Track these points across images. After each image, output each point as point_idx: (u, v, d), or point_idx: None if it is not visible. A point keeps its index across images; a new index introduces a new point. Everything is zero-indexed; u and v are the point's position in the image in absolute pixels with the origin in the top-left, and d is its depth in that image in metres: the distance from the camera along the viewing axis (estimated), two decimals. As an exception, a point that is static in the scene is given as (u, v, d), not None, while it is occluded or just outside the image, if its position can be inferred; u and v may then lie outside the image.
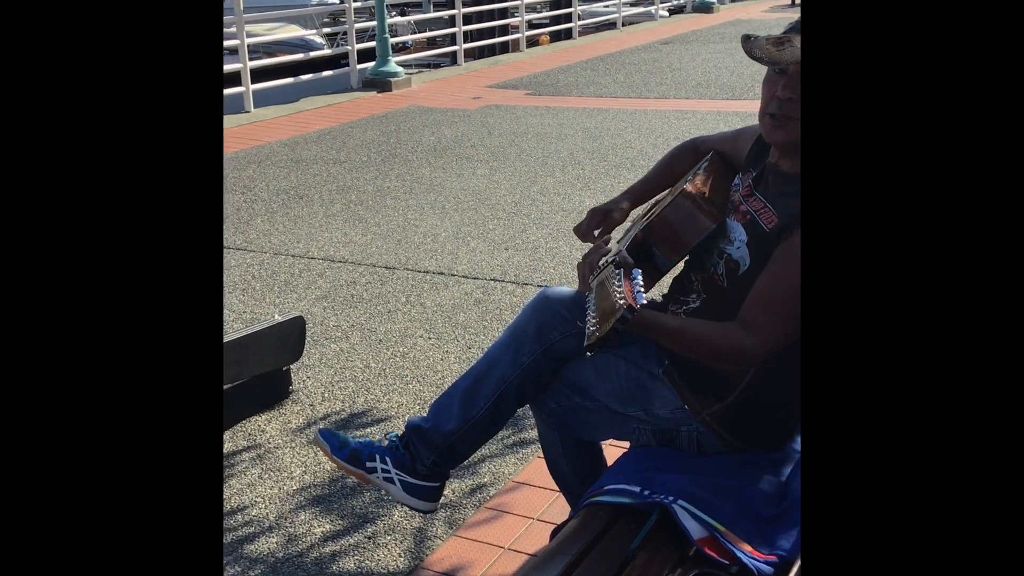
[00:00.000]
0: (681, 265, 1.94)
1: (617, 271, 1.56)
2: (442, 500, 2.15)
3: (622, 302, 1.44)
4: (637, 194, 2.08)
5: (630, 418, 1.89)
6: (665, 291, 1.99)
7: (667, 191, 2.09)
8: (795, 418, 1.83)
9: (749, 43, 1.70)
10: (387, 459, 2.00)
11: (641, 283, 1.51)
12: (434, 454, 1.99)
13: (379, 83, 9.90)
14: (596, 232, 2.03)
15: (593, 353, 1.51)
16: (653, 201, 2.08)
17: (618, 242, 1.98)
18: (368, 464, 2.01)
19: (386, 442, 2.04)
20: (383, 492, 2.24)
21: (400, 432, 2.06)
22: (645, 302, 1.48)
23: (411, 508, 2.03)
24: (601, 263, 1.71)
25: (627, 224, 2.10)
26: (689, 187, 1.88)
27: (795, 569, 1.45)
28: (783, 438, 1.84)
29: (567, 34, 14.84)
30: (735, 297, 1.73)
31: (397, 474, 2.00)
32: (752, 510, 1.69)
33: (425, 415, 2.04)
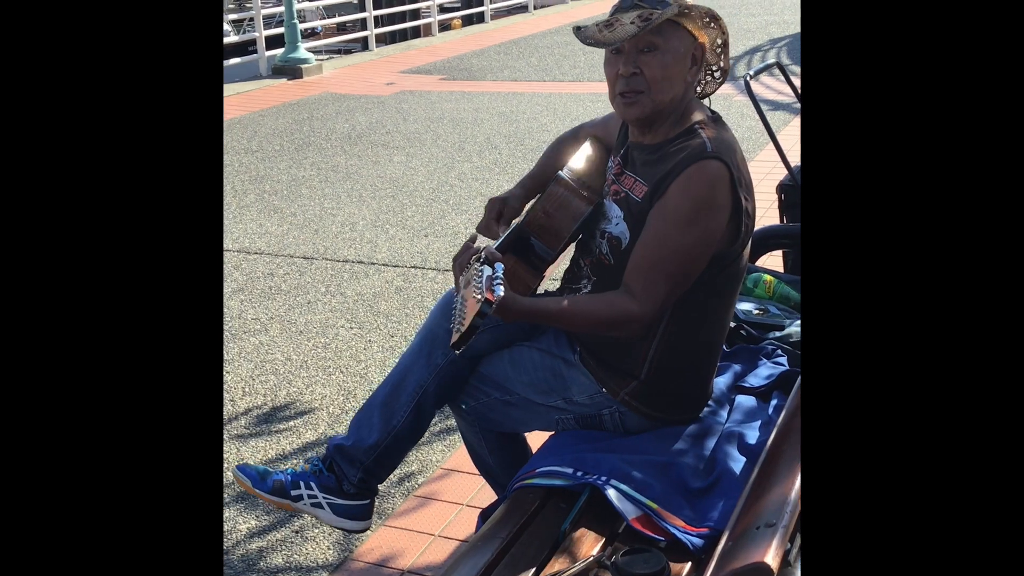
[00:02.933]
0: (571, 254, 1.96)
1: (481, 267, 1.58)
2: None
3: (478, 296, 1.47)
4: (528, 186, 2.08)
5: (551, 408, 1.89)
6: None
7: None
8: (705, 385, 1.88)
9: (581, 32, 1.74)
10: (312, 484, 1.94)
11: (500, 276, 1.54)
12: (360, 471, 1.94)
13: (289, 70, 9.71)
14: (497, 222, 2.02)
15: (460, 350, 1.53)
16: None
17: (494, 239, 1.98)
18: (293, 493, 1.94)
19: (308, 467, 1.98)
20: (312, 519, 2.17)
21: (322, 455, 2.00)
22: (503, 294, 1.51)
23: (345, 530, 1.98)
24: (471, 261, 1.70)
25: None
26: (563, 174, 1.92)
27: (723, 540, 1.48)
28: (697, 405, 1.88)
29: (479, 18, 14.78)
30: (623, 272, 1.75)
31: (324, 498, 1.94)
32: (682, 484, 1.71)
33: (345, 433, 1.99)
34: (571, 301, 1.75)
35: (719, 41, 1.81)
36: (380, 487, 2.04)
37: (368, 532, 2.41)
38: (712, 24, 1.77)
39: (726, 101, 7.58)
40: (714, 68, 1.86)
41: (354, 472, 1.94)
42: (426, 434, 2.84)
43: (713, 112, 1.82)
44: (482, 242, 1.87)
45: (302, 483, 1.94)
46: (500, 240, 1.89)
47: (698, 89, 1.86)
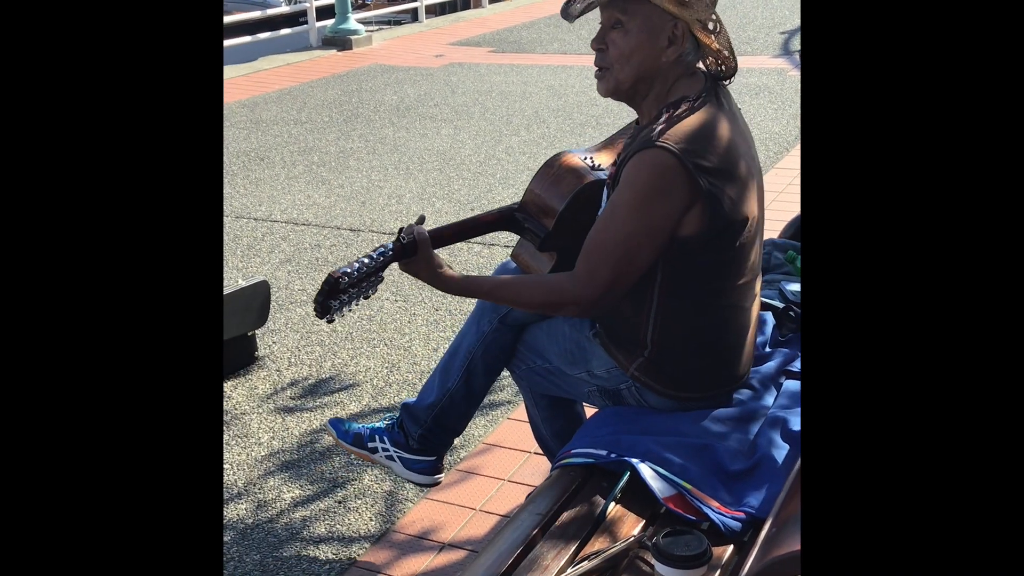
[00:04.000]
0: None
1: (385, 244, 1.81)
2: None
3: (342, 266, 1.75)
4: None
5: (579, 380, 1.93)
6: None
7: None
8: (722, 367, 1.84)
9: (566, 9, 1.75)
10: (385, 438, 2.15)
11: (374, 255, 1.77)
12: (421, 427, 2.11)
13: (339, 41, 9.73)
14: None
15: (325, 319, 1.76)
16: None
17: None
18: (369, 445, 2.17)
19: (383, 423, 2.19)
20: (388, 471, 2.42)
21: (397, 414, 2.20)
22: (348, 271, 1.72)
23: (414, 483, 2.18)
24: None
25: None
26: (569, 151, 1.95)
27: (767, 525, 1.46)
28: (716, 385, 1.85)
29: (529, -10, 14.66)
30: None
31: (395, 451, 2.15)
32: (720, 467, 1.70)
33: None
34: (512, 279, 1.82)
35: (706, 18, 1.70)
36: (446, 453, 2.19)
37: (410, 504, 2.43)
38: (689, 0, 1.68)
39: (780, 76, 7.45)
40: (718, 50, 1.74)
41: (416, 429, 2.12)
42: (469, 408, 2.87)
43: (709, 89, 1.73)
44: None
45: (377, 437, 2.17)
46: (482, 213, 1.99)
47: (709, 67, 1.78)
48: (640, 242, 1.68)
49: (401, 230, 1.82)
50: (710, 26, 1.71)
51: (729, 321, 1.81)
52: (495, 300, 1.87)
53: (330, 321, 1.76)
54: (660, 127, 1.67)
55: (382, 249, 1.80)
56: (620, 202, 1.68)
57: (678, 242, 1.69)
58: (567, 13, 1.74)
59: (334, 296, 1.73)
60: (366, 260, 1.77)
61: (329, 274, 1.72)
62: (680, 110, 1.70)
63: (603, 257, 1.69)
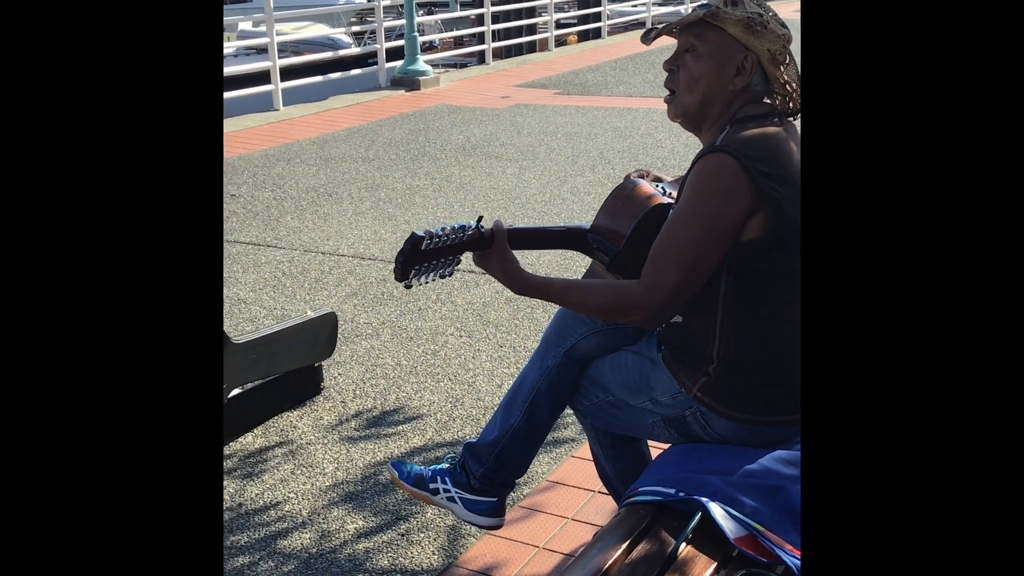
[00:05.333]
0: None
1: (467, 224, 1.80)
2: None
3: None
4: None
5: (643, 411, 1.92)
6: None
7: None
8: (788, 384, 1.80)
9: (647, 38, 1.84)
10: (446, 479, 2.11)
11: (456, 229, 1.75)
12: (482, 466, 2.07)
13: (407, 82, 9.91)
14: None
15: (403, 283, 1.74)
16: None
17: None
18: (431, 486, 2.12)
19: (445, 464, 2.15)
20: (449, 513, 2.35)
21: (458, 453, 2.16)
22: (431, 231, 1.71)
23: (476, 526, 2.11)
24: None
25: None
26: (636, 182, 1.95)
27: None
28: (782, 406, 1.81)
29: (596, 33, 14.80)
30: None
31: (457, 492, 2.10)
32: (792, 509, 1.66)
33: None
34: (582, 282, 1.81)
35: (777, 50, 1.73)
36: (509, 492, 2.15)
37: (473, 540, 2.42)
38: (760, 30, 1.71)
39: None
40: (785, 82, 1.77)
41: (477, 468, 2.08)
42: (533, 445, 2.85)
43: (775, 114, 1.76)
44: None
45: (439, 478, 2.11)
46: (550, 226, 1.98)
47: (776, 102, 1.79)
48: (705, 244, 1.68)
49: (481, 218, 1.81)
50: (780, 59, 1.75)
51: (793, 337, 1.79)
52: (563, 303, 1.84)
53: (408, 287, 1.74)
54: (722, 136, 1.71)
55: (462, 225, 1.77)
56: (684, 206, 1.70)
57: (741, 247, 1.70)
58: (646, 37, 1.81)
59: (414, 260, 1.72)
60: (447, 230, 1.75)
61: (412, 232, 1.72)
62: (743, 123, 1.73)
63: (669, 261, 1.69)
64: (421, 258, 1.74)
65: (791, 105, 1.80)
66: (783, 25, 1.77)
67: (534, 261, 4.40)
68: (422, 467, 2.17)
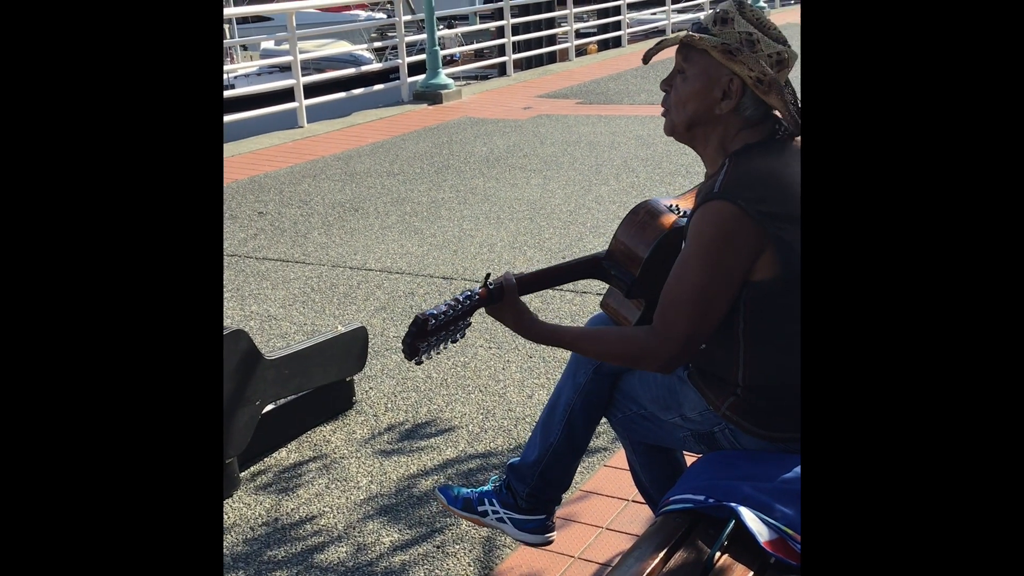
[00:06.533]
0: None
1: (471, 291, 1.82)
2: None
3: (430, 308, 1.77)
4: None
5: (673, 425, 1.93)
6: None
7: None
8: None
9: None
10: (494, 501, 2.17)
11: (460, 299, 1.79)
12: (528, 486, 2.12)
13: (430, 96, 9.96)
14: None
15: (413, 360, 1.77)
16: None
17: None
18: (479, 509, 2.18)
19: (492, 486, 2.20)
20: (501, 533, 2.39)
21: (504, 474, 2.22)
22: (435, 312, 1.74)
23: (527, 544, 2.17)
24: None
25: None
26: (650, 205, 1.95)
27: None
28: None
29: (616, 42, 14.81)
30: None
31: (506, 513, 2.16)
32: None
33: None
34: (593, 331, 1.83)
35: (759, 74, 1.68)
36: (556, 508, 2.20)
37: (508, 551, 2.43)
38: (739, 54, 1.68)
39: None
40: (775, 107, 1.73)
41: (523, 488, 2.13)
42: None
43: (772, 139, 1.74)
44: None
45: (486, 500, 2.17)
46: (562, 262, 1.99)
47: (777, 128, 1.77)
48: (712, 293, 1.68)
49: (488, 276, 1.85)
50: (765, 80, 1.70)
51: None
52: (578, 351, 1.87)
53: (418, 363, 1.79)
54: (721, 178, 1.70)
55: (468, 293, 1.81)
56: (688, 255, 1.70)
57: (754, 288, 1.70)
58: (646, 56, 1.85)
59: (422, 338, 1.75)
60: (453, 303, 1.79)
61: (416, 315, 1.75)
62: (742, 159, 1.71)
63: (677, 311, 1.70)
64: (429, 335, 1.76)
65: (780, 129, 1.76)
66: (781, 41, 1.72)
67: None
68: (468, 490, 2.22)
